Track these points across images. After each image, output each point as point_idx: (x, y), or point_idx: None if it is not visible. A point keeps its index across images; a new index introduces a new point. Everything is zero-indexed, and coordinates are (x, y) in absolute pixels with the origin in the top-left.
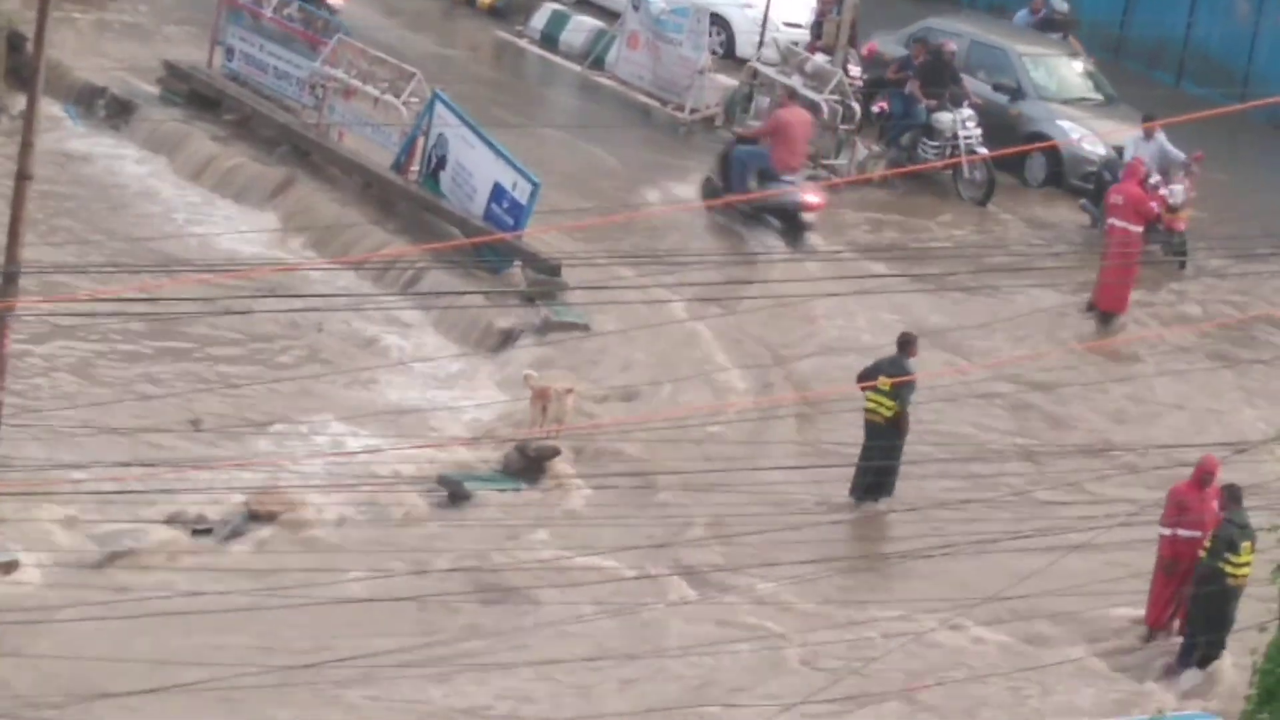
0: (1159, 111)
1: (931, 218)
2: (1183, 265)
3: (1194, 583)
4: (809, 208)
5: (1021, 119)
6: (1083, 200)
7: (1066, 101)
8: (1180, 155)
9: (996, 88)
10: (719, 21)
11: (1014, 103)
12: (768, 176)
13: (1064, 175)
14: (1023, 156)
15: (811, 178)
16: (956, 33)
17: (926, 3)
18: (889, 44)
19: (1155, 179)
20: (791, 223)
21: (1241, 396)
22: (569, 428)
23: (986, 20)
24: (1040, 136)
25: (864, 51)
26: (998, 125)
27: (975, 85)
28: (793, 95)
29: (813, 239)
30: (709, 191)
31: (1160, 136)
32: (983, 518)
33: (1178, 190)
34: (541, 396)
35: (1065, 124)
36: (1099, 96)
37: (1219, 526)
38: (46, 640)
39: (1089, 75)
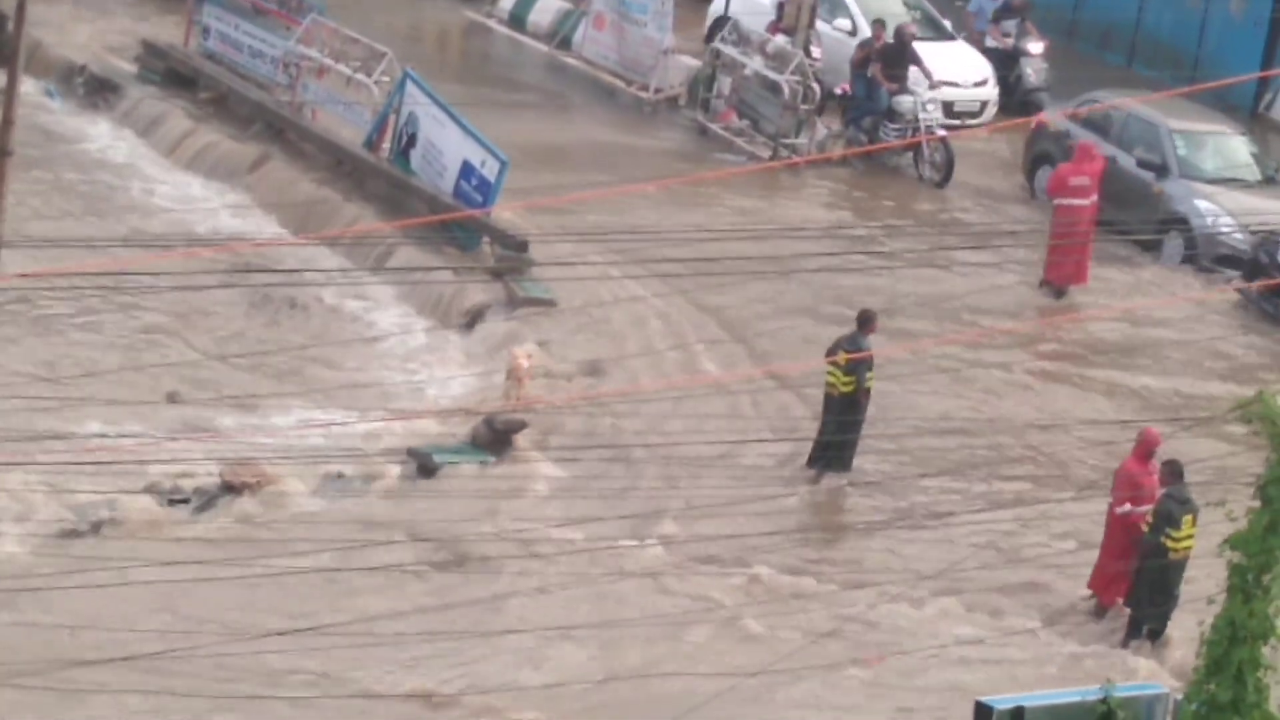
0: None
1: (892, 198)
2: None
3: (1138, 557)
4: None
5: (1163, 197)
6: (1233, 280)
7: (1216, 181)
8: None
9: (1141, 164)
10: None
11: (1159, 180)
12: None
13: (1198, 256)
14: (1160, 235)
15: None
16: (1117, 106)
17: None
18: (1058, 118)
19: None
20: None
21: None
22: (533, 400)
23: (1145, 93)
24: (1177, 217)
25: (1032, 123)
26: (1140, 203)
27: (1123, 160)
28: None
29: None
30: None
31: None
32: (940, 491)
33: None
34: (516, 372)
35: (1202, 204)
36: (1257, 177)
37: (1159, 502)
38: (24, 608)
39: (1250, 155)
